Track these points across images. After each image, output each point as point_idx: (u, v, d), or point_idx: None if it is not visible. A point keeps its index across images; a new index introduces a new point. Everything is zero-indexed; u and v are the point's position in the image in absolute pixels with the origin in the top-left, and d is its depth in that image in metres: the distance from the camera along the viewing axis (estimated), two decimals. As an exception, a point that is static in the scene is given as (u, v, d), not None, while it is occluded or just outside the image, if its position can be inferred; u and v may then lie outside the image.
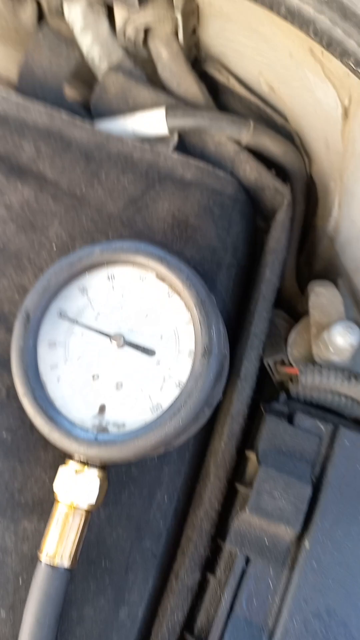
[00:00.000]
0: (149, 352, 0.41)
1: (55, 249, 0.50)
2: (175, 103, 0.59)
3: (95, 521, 0.44)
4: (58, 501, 0.40)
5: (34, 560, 0.42)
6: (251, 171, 0.57)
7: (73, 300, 0.43)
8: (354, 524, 0.42)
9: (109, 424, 0.40)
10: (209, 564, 0.45)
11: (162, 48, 0.58)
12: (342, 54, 0.40)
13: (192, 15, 0.57)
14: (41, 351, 0.42)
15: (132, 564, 0.44)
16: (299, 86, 0.55)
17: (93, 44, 0.59)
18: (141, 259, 0.42)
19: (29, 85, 0.62)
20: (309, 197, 0.63)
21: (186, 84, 0.59)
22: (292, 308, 0.58)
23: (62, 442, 0.39)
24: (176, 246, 0.52)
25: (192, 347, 0.41)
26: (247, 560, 0.43)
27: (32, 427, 0.45)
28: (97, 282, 0.44)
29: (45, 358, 0.41)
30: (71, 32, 0.62)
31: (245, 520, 0.43)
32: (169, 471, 0.47)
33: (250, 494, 0.42)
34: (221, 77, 0.62)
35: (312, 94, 0.54)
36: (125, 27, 0.58)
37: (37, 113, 0.54)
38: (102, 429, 0.40)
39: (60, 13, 0.63)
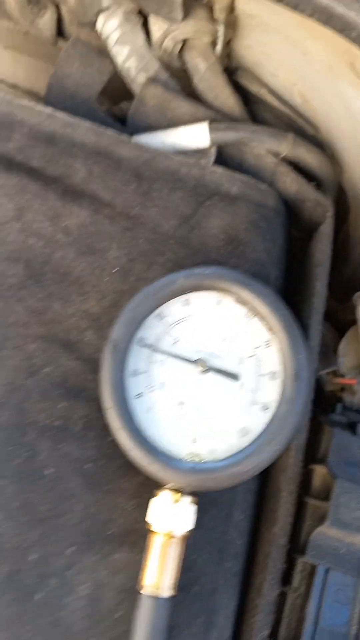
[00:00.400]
0: (233, 376, 0.41)
1: (116, 272, 0.49)
2: (214, 115, 0.58)
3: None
4: (154, 532, 0.40)
5: (129, 592, 0.42)
6: (292, 183, 0.57)
7: (151, 328, 0.43)
8: None
9: (201, 451, 0.40)
10: (285, 578, 0.47)
11: (200, 60, 0.57)
12: None
13: (231, 27, 0.56)
14: (127, 382, 0.41)
15: (217, 586, 0.45)
16: (335, 99, 0.55)
17: (130, 55, 0.58)
18: (224, 284, 0.42)
19: (58, 98, 0.60)
20: (339, 205, 0.64)
21: (223, 95, 0.59)
22: (330, 320, 0.59)
23: (163, 474, 0.39)
24: (231, 263, 0.52)
25: (274, 369, 0.41)
26: (327, 572, 0.45)
27: (111, 456, 0.45)
28: (173, 308, 0.43)
29: (131, 388, 0.41)
30: (100, 43, 0.60)
31: (323, 533, 0.44)
32: (242, 490, 0.47)
33: (329, 508, 0.44)
34: (253, 87, 0.62)
35: (349, 106, 0.54)
36: (163, 40, 0.57)
37: (84, 131, 0.52)
38: (197, 457, 0.40)
39: (84, 24, 0.61)
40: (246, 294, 0.42)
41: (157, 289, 0.42)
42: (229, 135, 0.56)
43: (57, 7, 0.64)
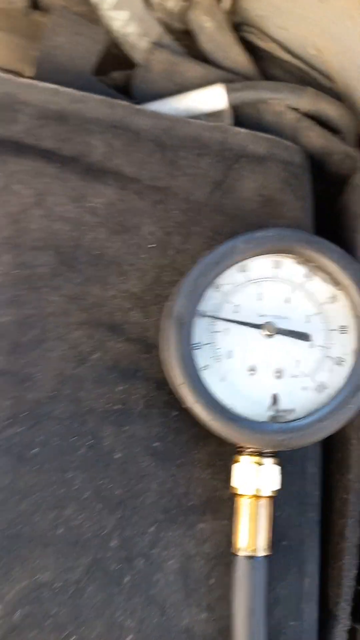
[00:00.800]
0: (303, 335, 0.40)
1: (153, 247, 0.46)
2: (226, 76, 0.55)
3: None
4: (241, 495, 0.39)
5: (219, 558, 0.41)
6: (317, 138, 0.55)
7: (210, 298, 0.40)
8: None
9: (280, 412, 0.39)
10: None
11: (206, 18, 0.54)
12: None
13: (236, -21, 0.52)
14: (193, 355, 0.39)
15: (304, 536, 0.44)
16: (356, 47, 0.52)
17: (130, 20, 0.54)
18: (289, 246, 0.40)
19: (51, 74, 0.56)
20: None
21: (233, 54, 0.55)
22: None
23: (249, 438, 0.37)
24: (270, 225, 0.49)
25: (344, 323, 0.40)
26: None
27: (178, 430, 0.43)
28: (229, 275, 0.41)
29: (197, 361, 0.39)
30: (87, 9, 0.56)
31: None
32: (311, 445, 0.46)
33: None
34: (262, 43, 0.59)
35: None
36: (164, 1, 0.53)
37: (96, 104, 0.49)
38: (278, 418, 0.39)
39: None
40: (311, 252, 0.40)
41: (217, 258, 0.39)
42: (247, 95, 0.53)
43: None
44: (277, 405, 0.39)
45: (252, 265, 0.41)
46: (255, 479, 0.38)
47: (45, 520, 0.40)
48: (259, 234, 0.40)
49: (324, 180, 0.57)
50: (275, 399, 0.39)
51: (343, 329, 0.40)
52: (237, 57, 0.56)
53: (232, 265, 0.40)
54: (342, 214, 0.55)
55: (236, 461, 0.40)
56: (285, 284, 0.41)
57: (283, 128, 0.55)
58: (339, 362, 0.40)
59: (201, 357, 0.39)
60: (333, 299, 0.41)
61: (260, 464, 0.38)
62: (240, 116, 0.56)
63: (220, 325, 0.40)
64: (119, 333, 0.44)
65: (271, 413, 0.39)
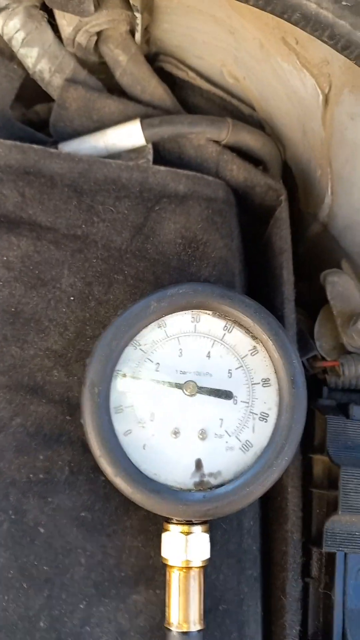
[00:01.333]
0: (225, 394, 0.38)
1: (73, 300, 0.45)
2: (145, 110, 0.53)
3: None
4: (171, 566, 0.38)
5: (154, 631, 0.39)
6: (238, 171, 0.54)
7: (129, 358, 0.39)
8: None
9: (205, 477, 0.37)
10: (303, 570, 0.46)
11: (119, 52, 0.52)
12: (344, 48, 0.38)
13: (148, 11, 0.50)
14: (113, 421, 0.37)
15: (243, 596, 0.43)
16: (270, 76, 0.51)
17: (40, 57, 0.51)
18: (201, 301, 0.38)
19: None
20: (286, 184, 0.61)
21: (151, 87, 0.54)
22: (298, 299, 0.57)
23: (174, 511, 0.36)
24: (193, 268, 0.48)
25: (265, 375, 0.39)
26: (345, 557, 0.44)
27: (107, 497, 0.41)
28: (148, 331, 0.39)
29: (119, 426, 0.37)
30: (7, 46, 0.53)
31: (337, 521, 0.43)
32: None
33: (339, 496, 0.43)
34: (179, 72, 0.57)
35: (286, 82, 0.51)
36: (75, 35, 0.50)
37: (7, 150, 0.46)
38: (203, 485, 0.37)
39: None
40: (225, 308, 0.38)
41: (130, 319, 0.38)
42: (166, 130, 0.52)
43: None
44: (201, 470, 0.37)
45: (170, 321, 0.39)
46: (184, 550, 0.37)
47: None
48: (171, 290, 0.38)
49: (251, 213, 0.57)
50: (198, 464, 0.37)
51: (266, 382, 0.39)
52: (155, 90, 0.54)
53: (146, 325, 0.39)
54: (268, 248, 0.54)
55: (166, 529, 0.38)
56: (205, 338, 0.40)
57: (205, 162, 0.54)
58: (263, 417, 0.38)
59: (123, 422, 0.37)
60: (254, 350, 0.40)
61: (188, 532, 0.37)
62: (162, 151, 0.54)
63: (141, 386, 0.38)
64: (41, 395, 0.42)
65: (196, 479, 0.37)
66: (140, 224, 0.48)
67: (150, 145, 0.53)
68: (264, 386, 0.39)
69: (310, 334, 0.53)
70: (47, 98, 0.56)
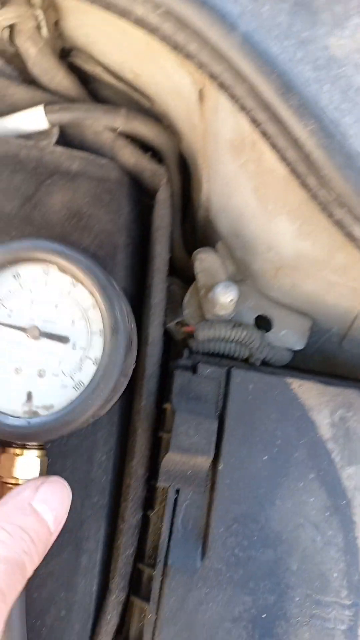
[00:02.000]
0: (63, 339, 0.44)
1: None
2: (51, 98, 0.60)
3: None
4: (4, 483, 0.44)
5: None
6: (130, 156, 0.60)
7: None
8: (252, 443, 0.51)
9: (38, 408, 0.43)
10: (149, 504, 0.52)
11: (29, 44, 0.58)
12: (187, 56, 0.44)
13: (52, 10, 0.57)
14: None
15: (85, 518, 0.49)
16: (158, 73, 0.58)
17: None
18: (41, 254, 0.44)
19: None
20: (184, 172, 0.67)
21: (58, 78, 0.60)
22: (184, 274, 0.64)
23: (5, 434, 0.42)
24: (75, 236, 0.55)
25: (100, 327, 0.44)
26: (177, 491, 0.50)
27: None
28: (3, 282, 0.45)
29: None
30: None
31: (170, 459, 0.49)
32: (102, 434, 0.52)
33: (171, 435, 0.49)
34: (89, 67, 0.63)
35: (171, 79, 0.57)
36: (-12, 27, 0.57)
37: None
38: (33, 414, 0.43)
39: None
40: (63, 262, 0.44)
41: None
42: (65, 116, 0.58)
43: None
44: (31, 401, 0.43)
45: (24, 272, 0.45)
46: (17, 469, 0.43)
47: None
48: (15, 244, 0.44)
49: (143, 195, 0.63)
50: (29, 396, 0.43)
51: (101, 333, 0.44)
52: (62, 81, 0.60)
53: None
54: (150, 226, 0.61)
55: (4, 452, 0.45)
56: (54, 290, 0.45)
57: (102, 147, 0.60)
58: (96, 362, 0.44)
59: None
60: (95, 304, 0.44)
61: (20, 455, 0.43)
62: (67, 136, 0.61)
63: None
64: None
65: (26, 409, 0.43)
66: (30, 194, 0.54)
67: (56, 129, 0.60)
68: (100, 336, 0.44)
69: (181, 304, 0.59)
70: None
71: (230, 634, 0.47)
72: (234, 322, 0.55)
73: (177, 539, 0.49)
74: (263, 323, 0.58)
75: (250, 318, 0.58)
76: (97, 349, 0.44)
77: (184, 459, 0.50)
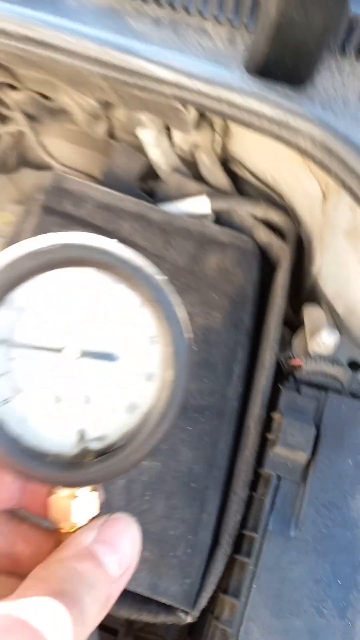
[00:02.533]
0: (110, 357, 0.33)
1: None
2: (212, 192, 0.84)
3: (185, 460, 0.67)
4: (60, 529, 0.34)
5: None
6: (263, 235, 0.83)
7: (1, 319, 0.32)
8: (341, 449, 0.66)
9: (90, 444, 0.34)
10: (254, 487, 0.69)
11: (204, 155, 0.84)
12: (327, 172, 0.66)
13: (225, 135, 0.83)
14: None
15: (208, 486, 0.67)
16: (293, 179, 0.81)
17: (159, 154, 0.85)
18: (76, 253, 0.32)
19: (112, 180, 0.87)
20: (298, 248, 0.88)
21: (218, 177, 0.85)
22: (288, 322, 0.83)
23: (59, 481, 0.33)
24: (221, 285, 0.77)
25: (152, 333, 0.33)
26: (279, 478, 0.67)
27: None
28: (23, 289, 0.33)
29: None
30: (138, 143, 0.88)
31: (276, 452, 0.67)
32: (224, 429, 0.70)
33: (279, 436, 0.66)
34: (239, 171, 0.88)
35: (302, 184, 0.80)
36: (181, 143, 0.84)
37: (129, 202, 0.79)
38: (87, 452, 0.34)
39: (128, 132, 0.89)
40: (109, 264, 0.32)
41: (4, 276, 0.31)
42: (221, 204, 0.82)
43: (110, 120, 0.93)
44: (84, 438, 0.34)
45: (52, 277, 0.33)
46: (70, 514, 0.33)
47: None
48: (46, 245, 0.32)
49: (269, 262, 0.85)
50: (81, 433, 0.34)
51: (152, 340, 0.33)
52: (221, 180, 0.85)
53: (17, 284, 0.32)
54: (273, 284, 0.81)
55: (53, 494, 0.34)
56: (90, 295, 0.33)
57: (244, 227, 0.83)
58: (149, 377, 0.33)
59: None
60: (141, 309, 0.33)
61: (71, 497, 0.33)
62: (220, 217, 0.85)
63: (17, 350, 0.32)
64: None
65: (80, 447, 0.34)
66: (195, 255, 0.78)
67: (213, 213, 0.84)
68: (151, 344, 0.34)
69: (289, 343, 0.78)
70: (156, 176, 0.89)
71: (311, 591, 0.61)
72: (332, 360, 0.73)
73: (276, 513, 0.65)
74: (354, 366, 0.75)
75: (344, 360, 0.75)
76: (147, 362, 0.34)
77: (287, 453, 0.66)
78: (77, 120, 0.96)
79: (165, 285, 0.33)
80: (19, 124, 0.98)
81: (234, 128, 0.80)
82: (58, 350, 0.33)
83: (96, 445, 0.34)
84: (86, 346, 0.33)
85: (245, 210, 0.83)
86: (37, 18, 0.60)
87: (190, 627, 0.72)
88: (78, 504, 0.33)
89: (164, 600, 0.61)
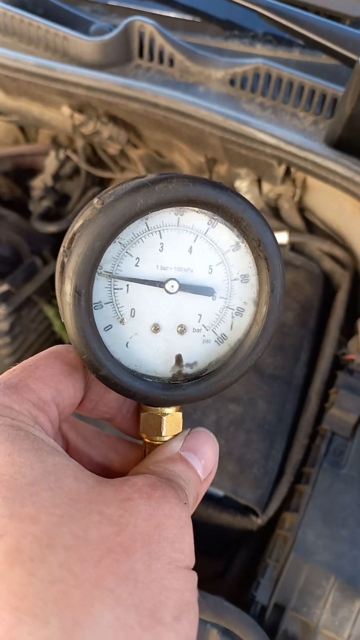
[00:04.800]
0: (207, 291, 0.38)
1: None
2: (290, 229, 1.21)
3: (261, 410, 0.97)
4: (151, 442, 0.40)
5: None
6: (328, 264, 1.17)
7: (108, 254, 0.36)
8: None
9: (183, 369, 0.40)
10: (312, 440, 0.97)
11: (285, 203, 1.22)
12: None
13: (304, 188, 1.20)
14: (94, 316, 0.37)
15: (277, 431, 0.95)
16: (355, 226, 1.16)
17: (250, 199, 1.23)
18: (190, 197, 0.35)
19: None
20: (355, 276, 1.22)
21: (296, 221, 1.21)
22: (343, 331, 1.14)
23: (158, 399, 0.39)
24: (293, 294, 1.10)
25: (245, 272, 0.38)
26: (333, 433, 0.95)
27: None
28: (132, 226, 0.36)
29: (98, 322, 0.37)
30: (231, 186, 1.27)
31: (332, 413, 0.95)
32: (290, 396, 1.00)
33: (334, 402, 0.95)
34: (311, 218, 1.25)
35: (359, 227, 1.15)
36: (268, 192, 1.22)
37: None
38: (180, 375, 0.40)
39: (224, 181, 1.29)
40: (216, 203, 0.36)
41: (115, 217, 0.34)
42: (296, 238, 1.18)
43: (211, 172, 1.33)
44: (181, 364, 0.39)
45: (152, 214, 0.36)
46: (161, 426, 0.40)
47: None
48: (159, 186, 0.35)
49: (332, 286, 1.18)
50: (179, 359, 0.39)
51: (244, 279, 0.38)
52: (297, 222, 1.21)
53: (131, 223, 0.36)
54: (334, 301, 1.14)
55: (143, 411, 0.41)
56: (188, 232, 0.37)
57: (313, 256, 1.18)
58: (239, 312, 0.39)
59: (102, 318, 0.37)
60: (236, 247, 0.38)
61: (162, 414, 0.40)
62: (294, 247, 1.20)
63: (121, 282, 0.37)
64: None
65: (175, 371, 0.39)
66: (275, 270, 1.12)
67: (289, 245, 1.19)
68: (243, 282, 0.38)
69: (345, 345, 1.09)
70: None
71: (355, 512, 0.87)
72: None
73: (329, 456, 0.93)
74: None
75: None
76: (239, 298, 0.39)
77: (342, 415, 0.95)
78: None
79: (269, 228, 0.37)
80: (139, 174, 1.40)
81: (311, 184, 1.18)
82: (159, 284, 0.38)
83: (189, 370, 0.39)
84: (184, 281, 0.38)
85: (315, 245, 1.18)
86: (180, 97, 1.01)
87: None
88: (167, 421, 0.40)
89: (242, 501, 0.88)
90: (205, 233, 0.37)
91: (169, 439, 0.39)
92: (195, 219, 0.37)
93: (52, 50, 1.07)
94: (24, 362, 0.36)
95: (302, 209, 1.26)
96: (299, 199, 1.23)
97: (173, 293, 0.38)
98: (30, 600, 0.24)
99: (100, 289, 0.37)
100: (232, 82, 1.04)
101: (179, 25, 1.17)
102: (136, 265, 0.37)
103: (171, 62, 1.05)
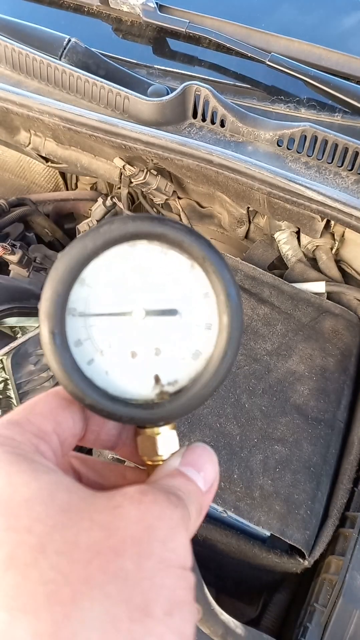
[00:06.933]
0: (171, 312, 0.42)
1: (276, 342, 1.19)
2: (327, 279, 1.32)
3: (306, 451, 1.05)
4: (150, 463, 0.43)
5: None
6: (365, 313, 1.28)
7: (76, 295, 0.41)
8: None
9: (165, 387, 0.43)
10: (355, 484, 1.04)
11: (324, 255, 1.34)
12: None
13: (340, 242, 1.33)
14: (75, 354, 0.41)
15: (322, 473, 1.03)
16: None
17: (289, 249, 1.35)
18: (134, 232, 0.40)
19: (250, 264, 1.38)
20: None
21: (333, 271, 1.34)
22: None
23: (144, 419, 0.42)
24: (334, 342, 1.20)
25: (205, 290, 0.42)
26: (375, 476, 1.02)
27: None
28: (90, 267, 0.41)
29: (79, 358, 0.41)
30: (270, 237, 1.39)
31: (374, 456, 1.04)
32: (334, 438, 1.08)
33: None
34: (348, 269, 1.37)
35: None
36: (307, 244, 1.34)
37: (267, 276, 1.27)
38: (163, 394, 0.43)
39: (265, 234, 1.42)
40: (159, 233, 0.40)
41: (71, 262, 0.39)
42: (334, 288, 1.29)
43: (250, 223, 1.46)
44: (160, 382, 0.43)
45: (108, 253, 0.41)
46: (157, 448, 0.42)
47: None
48: (103, 228, 0.40)
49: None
50: (157, 379, 0.43)
51: (205, 295, 0.42)
52: (334, 272, 1.33)
53: (86, 264, 0.40)
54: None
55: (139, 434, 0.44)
56: (145, 262, 0.42)
57: (350, 305, 1.29)
58: (208, 326, 0.42)
59: (84, 354, 0.41)
60: (191, 269, 0.42)
61: (158, 434, 0.43)
62: (331, 297, 1.31)
63: (93, 319, 0.41)
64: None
65: (157, 391, 0.43)
66: (315, 317, 1.23)
67: (326, 294, 1.31)
68: (205, 298, 0.42)
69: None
70: (284, 265, 1.39)
71: None
72: None
73: (372, 503, 1.00)
74: None
75: None
76: (205, 314, 0.42)
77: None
78: (224, 223, 1.51)
79: (210, 244, 0.41)
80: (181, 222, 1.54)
81: (349, 237, 1.31)
82: (127, 314, 0.41)
83: (170, 389, 0.43)
84: (150, 307, 0.42)
85: (352, 295, 1.29)
86: (233, 155, 1.15)
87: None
88: (162, 440, 0.43)
89: (290, 541, 0.95)
90: (161, 261, 0.42)
91: (168, 458, 0.42)
92: (149, 250, 0.42)
93: (112, 107, 1.22)
94: (25, 402, 0.41)
95: (338, 261, 1.38)
96: (336, 252, 1.35)
97: (142, 319, 0.42)
98: (24, 599, 0.27)
99: (77, 328, 0.41)
100: (279, 142, 1.18)
101: (228, 89, 1.33)
102: (104, 301, 0.41)
103: (222, 123, 1.20)
